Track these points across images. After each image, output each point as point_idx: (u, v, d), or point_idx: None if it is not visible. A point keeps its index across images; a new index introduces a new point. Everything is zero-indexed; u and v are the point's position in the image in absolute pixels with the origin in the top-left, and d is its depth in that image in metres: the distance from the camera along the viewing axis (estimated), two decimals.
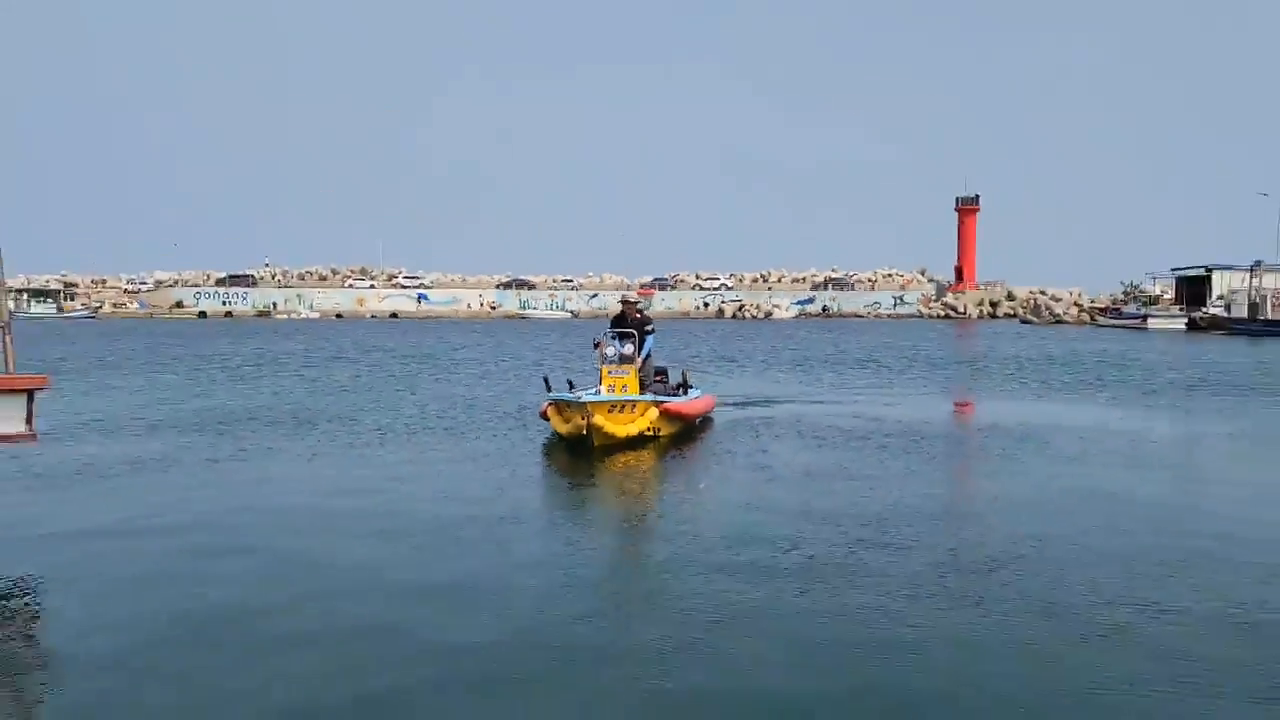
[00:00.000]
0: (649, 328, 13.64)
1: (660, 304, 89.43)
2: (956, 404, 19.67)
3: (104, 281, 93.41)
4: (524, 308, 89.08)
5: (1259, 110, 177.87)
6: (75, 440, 12.92)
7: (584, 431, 12.01)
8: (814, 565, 7.02)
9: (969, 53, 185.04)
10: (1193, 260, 66.93)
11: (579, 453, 12.00)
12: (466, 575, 6.84)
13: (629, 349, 13.05)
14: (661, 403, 13.07)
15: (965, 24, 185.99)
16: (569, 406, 12.24)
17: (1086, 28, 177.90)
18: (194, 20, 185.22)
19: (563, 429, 12.30)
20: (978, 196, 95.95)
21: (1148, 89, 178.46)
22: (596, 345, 13.43)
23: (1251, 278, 55.81)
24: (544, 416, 12.99)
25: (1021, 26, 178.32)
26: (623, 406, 12.48)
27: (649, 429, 12.71)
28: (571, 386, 13.36)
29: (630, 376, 12.80)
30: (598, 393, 12.70)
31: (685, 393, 14.68)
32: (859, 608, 6.08)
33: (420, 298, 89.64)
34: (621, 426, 12.29)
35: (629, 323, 13.50)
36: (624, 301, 14.41)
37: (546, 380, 13.51)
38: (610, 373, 12.84)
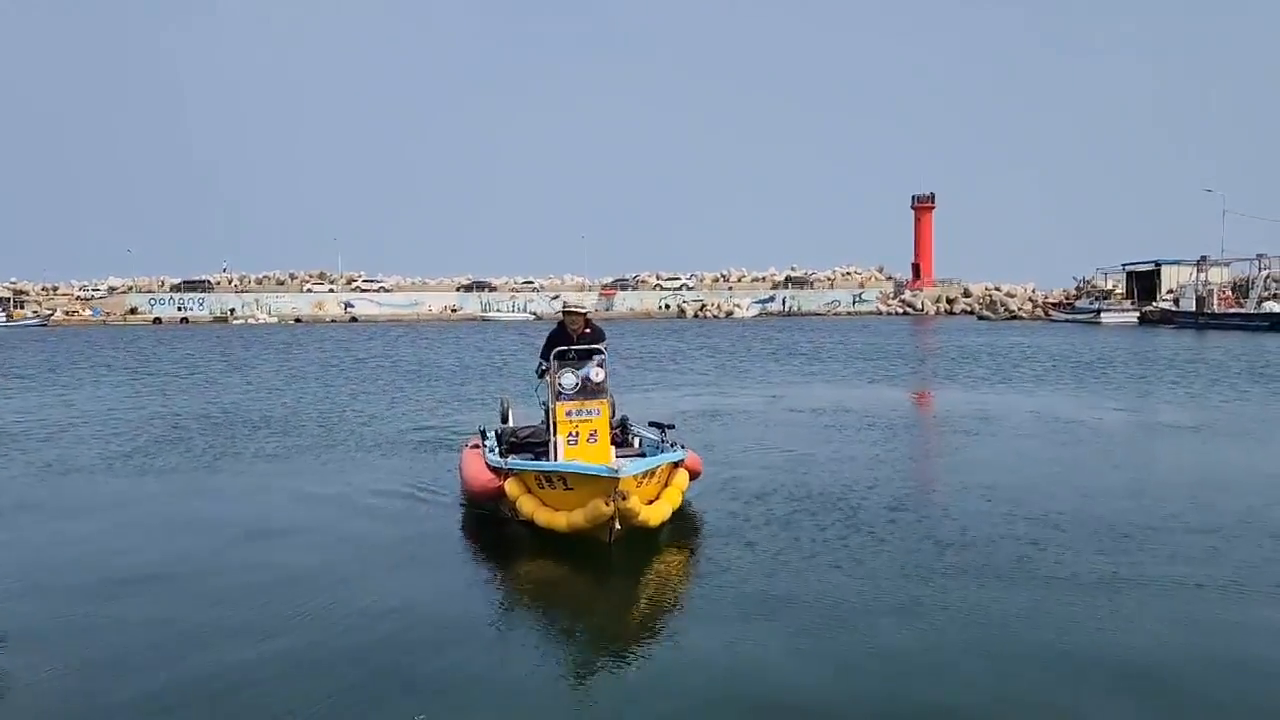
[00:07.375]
0: (603, 344, 8.59)
1: (622, 305, 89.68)
2: (915, 394, 20.16)
3: (55, 289, 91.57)
4: (485, 310, 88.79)
5: (1207, 108, 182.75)
6: None
7: (609, 523, 6.97)
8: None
9: (925, 52, 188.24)
10: (1141, 255, 68.48)
11: (578, 550, 7.12)
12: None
13: (599, 374, 8.10)
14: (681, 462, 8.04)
15: (920, 22, 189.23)
16: (577, 481, 7.16)
17: (1040, 26, 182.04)
18: (147, 23, 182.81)
19: (556, 521, 7.23)
20: (933, 195, 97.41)
21: (1097, 87, 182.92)
22: (542, 374, 8.50)
23: (1198, 272, 57.20)
24: (484, 499, 8.10)
25: (976, 23, 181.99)
26: (650, 475, 7.53)
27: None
28: (499, 442, 8.81)
29: (602, 418, 7.99)
30: (547, 447, 8.09)
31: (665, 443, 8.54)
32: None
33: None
34: (655, 510, 7.36)
35: (575, 341, 8.54)
36: (566, 312, 8.90)
37: (500, 432, 9.02)
38: (570, 414, 7.89)
